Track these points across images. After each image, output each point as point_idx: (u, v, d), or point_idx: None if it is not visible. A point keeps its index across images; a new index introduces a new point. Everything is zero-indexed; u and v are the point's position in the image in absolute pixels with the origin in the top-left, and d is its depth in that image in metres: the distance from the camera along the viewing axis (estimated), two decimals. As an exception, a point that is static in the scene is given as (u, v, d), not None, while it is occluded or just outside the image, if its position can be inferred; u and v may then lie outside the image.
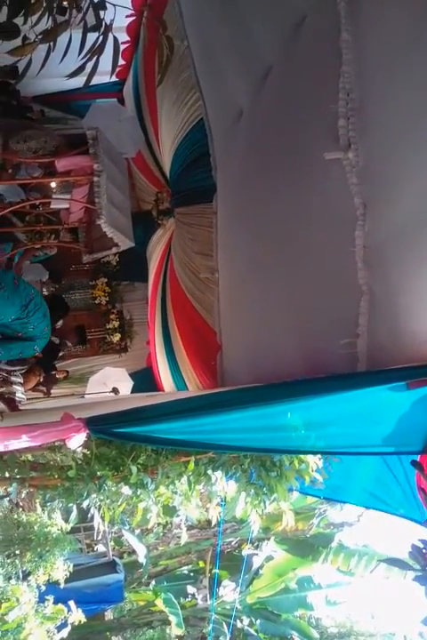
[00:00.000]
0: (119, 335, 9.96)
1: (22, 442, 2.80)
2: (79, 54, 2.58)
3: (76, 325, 7.79)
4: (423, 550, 2.72)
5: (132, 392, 8.65)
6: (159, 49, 2.77)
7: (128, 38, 7.53)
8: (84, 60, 2.57)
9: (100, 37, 2.58)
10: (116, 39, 2.65)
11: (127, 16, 6.68)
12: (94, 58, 2.56)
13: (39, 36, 2.46)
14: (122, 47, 7.47)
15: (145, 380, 9.25)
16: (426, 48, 2.59)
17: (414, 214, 2.82)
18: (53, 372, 8.25)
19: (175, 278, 7.37)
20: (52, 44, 2.48)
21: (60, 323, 7.25)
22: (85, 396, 8.74)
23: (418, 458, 3.30)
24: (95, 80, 3.00)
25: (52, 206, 7.30)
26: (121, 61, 7.81)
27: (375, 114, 3.04)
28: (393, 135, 2.91)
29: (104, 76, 3.19)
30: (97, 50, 2.55)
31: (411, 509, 3.89)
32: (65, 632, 6.70)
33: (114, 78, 8.21)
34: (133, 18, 6.90)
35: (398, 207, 2.95)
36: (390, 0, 2.81)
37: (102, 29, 2.58)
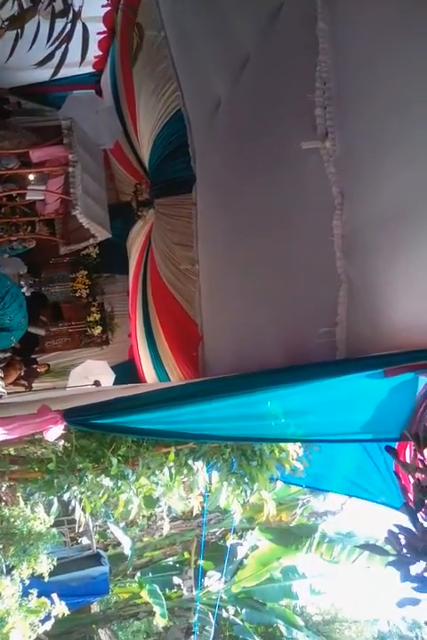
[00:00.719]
0: (100, 328, 9.90)
1: (-1, 435, 2.78)
2: (47, 42, 2.54)
3: (53, 303, 7.68)
4: (399, 535, 2.75)
5: (114, 385, 8.63)
6: (130, 37, 2.74)
7: (105, 28, 7.46)
8: (53, 47, 2.53)
9: (69, 25, 2.54)
10: (84, 26, 2.61)
11: (104, 5, 6.62)
12: (63, 46, 2.52)
13: (5, 23, 2.42)
14: (98, 38, 7.43)
15: (127, 372, 9.23)
16: (404, 37, 2.60)
17: (392, 203, 2.84)
18: (34, 366, 8.21)
19: (156, 270, 7.35)
20: (19, 31, 2.44)
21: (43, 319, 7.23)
22: (67, 389, 8.71)
23: (395, 445, 3.32)
24: (72, 71, 2.97)
25: (27, 198, 7.24)
26: (98, 52, 7.76)
27: (353, 103, 3.05)
28: (371, 124, 2.92)
29: (77, 67, 3.15)
30: (65, 37, 2.51)
31: (391, 496, 3.92)
32: (49, 625, 6.70)
33: (91, 69, 8.17)
34: (110, 8, 6.83)
35: (376, 196, 2.96)
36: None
37: (71, 16, 2.54)
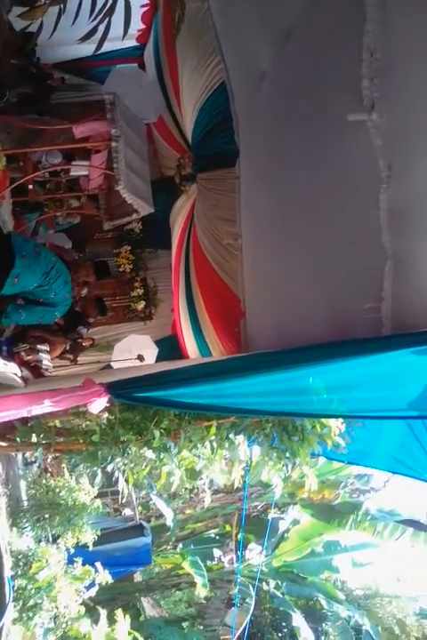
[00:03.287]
0: (144, 303, 9.99)
1: (45, 407, 2.84)
2: (90, 17, 2.55)
3: (95, 296, 7.79)
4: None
5: (157, 359, 8.71)
6: (172, 9, 2.72)
7: (148, 1, 7.41)
8: (96, 22, 2.53)
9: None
10: (127, 1, 2.61)
11: (148, -21, 6.59)
12: (105, 20, 2.52)
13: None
14: (142, 10, 7.40)
15: (170, 347, 9.29)
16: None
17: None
18: (79, 340, 8.34)
19: (198, 245, 7.34)
20: (62, 6, 2.45)
21: (84, 291, 7.29)
22: (111, 363, 8.82)
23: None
24: (113, 45, 2.97)
25: (71, 173, 7.30)
26: (141, 25, 7.73)
27: (400, 74, 2.98)
28: (418, 96, 2.85)
29: (119, 41, 3.16)
30: (107, 11, 2.52)
31: (435, 474, 3.88)
32: (93, 591, 6.87)
33: (134, 43, 8.15)
34: (153, -20, 6.80)
35: (424, 169, 2.89)
36: None
37: (112, -10, 2.53)
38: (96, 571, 6.92)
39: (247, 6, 4.84)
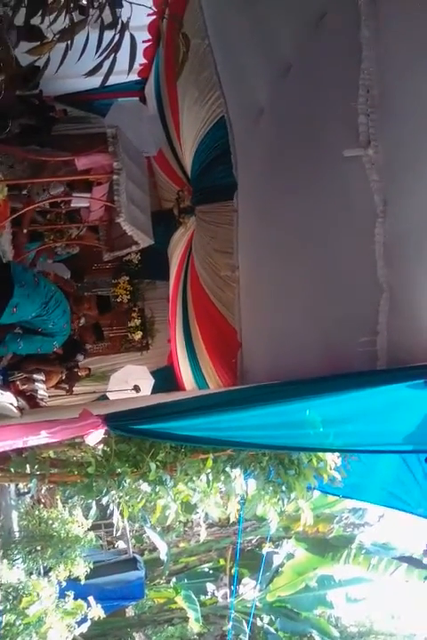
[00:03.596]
0: (141, 333, 10.00)
1: (41, 438, 2.83)
2: (96, 53, 2.60)
3: (93, 323, 7.80)
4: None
5: (153, 390, 8.68)
6: (175, 47, 2.78)
7: (150, 37, 7.54)
8: (101, 58, 2.58)
9: (117, 35, 2.59)
10: (132, 37, 2.67)
11: (149, 14, 6.70)
12: (111, 56, 2.57)
13: (57, 36, 2.48)
14: (144, 46, 7.53)
15: (166, 377, 9.27)
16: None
17: (435, 211, 2.80)
18: (75, 370, 8.32)
19: (196, 276, 7.38)
20: (69, 42, 2.50)
21: (82, 320, 7.30)
22: (107, 393, 8.79)
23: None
24: (116, 79, 3.02)
25: (72, 205, 7.35)
26: (143, 60, 7.84)
27: (396, 111, 3.02)
28: (415, 132, 2.89)
29: (124, 75, 3.21)
30: (114, 48, 2.56)
31: (429, 509, 3.87)
32: (85, 627, 6.76)
33: (135, 77, 8.26)
34: (155, 16, 6.90)
35: (420, 205, 2.93)
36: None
37: (119, 27, 2.59)
38: (88, 605, 6.82)
39: (246, 43, 4.92)
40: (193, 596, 12.12)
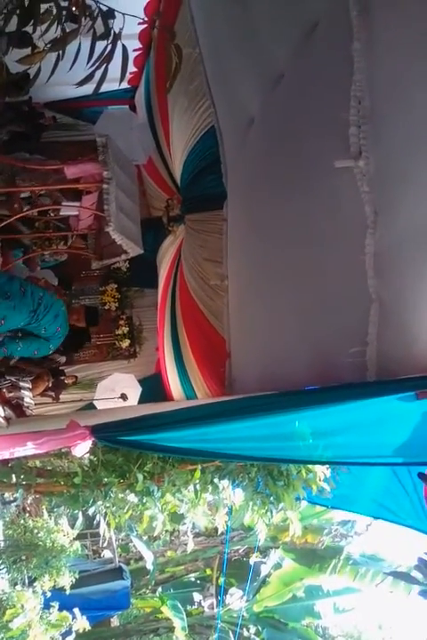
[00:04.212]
0: (128, 341, 9.95)
1: (28, 449, 2.79)
2: (88, 62, 2.58)
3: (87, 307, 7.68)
4: (430, 564, 2.68)
5: (140, 398, 8.64)
6: (168, 57, 2.76)
7: (140, 45, 7.54)
8: (93, 68, 2.57)
9: (109, 46, 2.58)
10: (124, 47, 2.65)
11: (139, 23, 6.69)
12: (103, 66, 2.56)
13: (48, 45, 2.46)
14: (134, 54, 7.51)
15: (154, 386, 9.23)
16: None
17: (425, 222, 2.80)
18: (62, 378, 8.26)
19: (185, 285, 7.36)
20: (61, 52, 2.48)
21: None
22: (94, 401, 8.74)
23: (426, 470, 3.26)
24: (107, 87, 3.01)
25: (61, 213, 7.31)
26: (133, 68, 7.84)
27: (387, 122, 3.02)
28: (405, 143, 2.89)
29: (114, 83, 3.20)
30: (106, 58, 2.55)
31: (419, 520, 3.86)
32: (70, 639, 6.68)
33: (125, 85, 8.24)
34: (145, 25, 6.91)
35: (410, 215, 2.93)
36: (403, 8, 2.79)
37: (111, 38, 2.58)
38: (73, 617, 6.74)
39: (237, 52, 4.92)
40: (179, 606, 12.04)
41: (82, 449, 2.87)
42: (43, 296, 5.59)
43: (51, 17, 2.42)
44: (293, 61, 4.03)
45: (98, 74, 2.61)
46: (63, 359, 7.72)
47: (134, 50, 7.45)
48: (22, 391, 6.56)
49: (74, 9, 2.49)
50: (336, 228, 3.61)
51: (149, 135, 7.94)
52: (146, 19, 5.06)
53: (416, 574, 2.86)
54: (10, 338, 5.61)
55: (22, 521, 7.70)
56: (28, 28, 2.50)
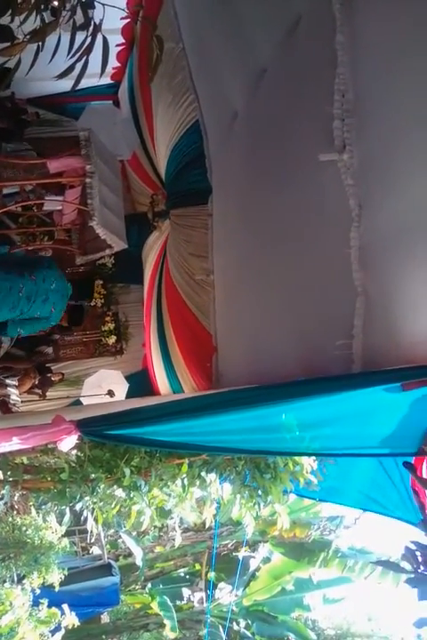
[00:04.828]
0: (115, 337, 9.91)
1: (13, 444, 2.78)
2: (68, 54, 2.56)
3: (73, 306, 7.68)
4: (416, 552, 2.70)
5: (127, 395, 8.63)
6: (149, 48, 2.75)
7: (123, 40, 7.51)
8: (73, 60, 2.55)
9: (89, 37, 2.56)
10: (105, 39, 2.64)
11: (122, 18, 6.67)
12: (83, 58, 2.54)
13: (27, 36, 2.44)
14: (117, 49, 7.49)
15: (141, 382, 9.22)
16: (420, 50, 2.59)
17: (409, 215, 2.82)
18: (49, 375, 8.24)
19: (171, 280, 7.36)
20: (40, 43, 2.46)
21: None
22: (81, 398, 8.72)
23: (412, 460, 3.29)
24: (87, 82, 3.00)
25: (45, 208, 7.28)
26: (116, 63, 7.81)
27: (371, 115, 3.04)
28: (389, 137, 2.90)
29: (96, 78, 3.19)
30: (86, 50, 2.53)
31: (406, 511, 3.88)
32: (58, 636, 6.66)
33: (109, 80, 8.22)
34: (128, 20, 6.88)
35: (394, 207, 2.94)
36: (386, 1, 2.80)
37: (91, 29, 2.56)
38: (62, 613, 6.73)
39: (220, 46, 4.92)
40: (169, 603, 12.04)
41: (68, 444, 2.86)
42: (22, 286, 5.53)
43: (29, 7, 2.40)
44: (276, 55, 4.03)
45: (78, 67, 2.60)
46: (50, 350, 7.71)
47: (117, 45, 7.42)
48: (8, 388, 6.55)
49: (54, 3, 2.47)
50: (321, 222, 3.62)
51: (132, 130, 7.92)
52: (128, 12, 5.03)
53: (404, 564, 2.89)
54: (12, 323, 5.64)
55: (10, 518, 7.66)
56: (6, 19, 2.47)
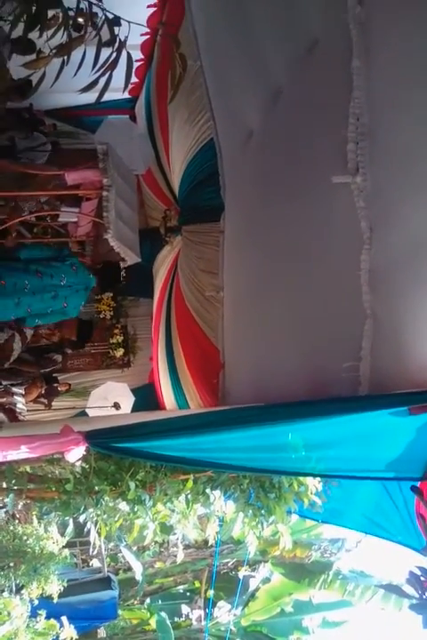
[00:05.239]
0: (122, 350, 9.94)
1: (21, 453, 2.79)
2: (93, 69, 2.61)
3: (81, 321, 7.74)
4: (421, 577, 2.68)
5: (133, 408, 8.63)
6: (172, 66, 2.79)
7: (142, 56, 7.59)
8: (98, 74, 2.59)
9: (114, 53, 2.61)
10: (129, 55, 2.68)
11: (142, 34, 6.75)
12: (107, 73, 2.58)
13: (53, 51, 2.49)
14: (135, 65, 7.56)
15: (147, 396, 9.23)
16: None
17: (420, 240, 2.83)
18: (55, 385, 8.26)
19: (180, 295, 7.38)
20: (65, 58, 2.51)
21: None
22: (86, 409, 8.73)
23: (418, 484, 3.27)
24: (108, 96, 3.03)
25: (60, 219, 7.33)
26: (134, 79, 7.88)
27: (385, 139, 3.06)
28: (402, 161, 2.92)
29: (117, 93, 3.23)
30: (110, 65, 2.58)
31: (409, 537, 3.85)
32: (56, 649, 6.63)
33: (126, 95, 8.29)
34: (148, 36, 6.96)
35: (406, 232, 2.96)
36: (402, 27, 2.83)
37: (116, 45, 2.60)
38: (61, 625, 6.68)
39: (238, 66, 4.97)
40: (167, 622, 11.93)
41: (75, 454, 2.87)
42: (28, 283, 5.60)
43: (58, 23, 2.45)
44: (293, 77, 4.07)
45: (102, 81, 2.64)
46: (60, 358, 7.75)
47: (136, 60, 7.50)
48: (15, 397, 6.57)
49: (80, 20, 2.52)
50: (332, 244, 3.64)
51: (148, 145, 7.98)
52: (149, 29, 5.10)
53: (407, 588, 2.86)
54: (29, 316, 5.72)
55: (11, 527, 7.64)
56: (35, 34, 2.52)
